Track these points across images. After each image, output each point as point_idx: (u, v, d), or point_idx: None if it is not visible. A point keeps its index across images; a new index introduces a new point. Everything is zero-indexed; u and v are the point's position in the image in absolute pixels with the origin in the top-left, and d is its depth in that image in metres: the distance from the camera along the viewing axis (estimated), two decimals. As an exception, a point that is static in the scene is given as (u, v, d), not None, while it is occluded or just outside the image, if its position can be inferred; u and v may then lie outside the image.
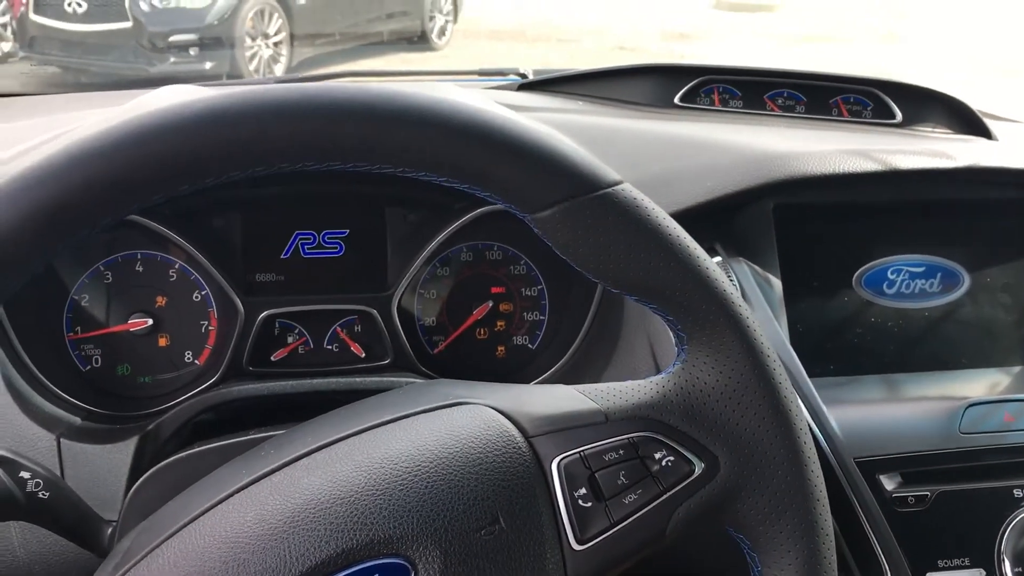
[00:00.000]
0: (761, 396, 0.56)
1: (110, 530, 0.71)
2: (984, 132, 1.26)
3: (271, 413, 0.95)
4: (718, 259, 0.96)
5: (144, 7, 5.18)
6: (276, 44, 5.64)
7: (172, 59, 5.17)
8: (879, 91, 1.30)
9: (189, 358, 1.02)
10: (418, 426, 0.56)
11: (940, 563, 0.84)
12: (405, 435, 0.55)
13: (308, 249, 1.04)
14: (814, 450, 0.57)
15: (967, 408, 0.88)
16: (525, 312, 1.10)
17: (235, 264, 1.02)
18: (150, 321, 1.00)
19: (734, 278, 0.95)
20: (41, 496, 0.65)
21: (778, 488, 0.56)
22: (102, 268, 0.99)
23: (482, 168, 0.53)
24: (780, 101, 1.31)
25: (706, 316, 0.56)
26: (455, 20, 7.30)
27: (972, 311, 1.03)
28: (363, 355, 1.05)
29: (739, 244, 0.98)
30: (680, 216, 0.57)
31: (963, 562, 0.84)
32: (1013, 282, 1.05)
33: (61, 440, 0.87)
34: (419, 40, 6.88)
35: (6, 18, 5.53)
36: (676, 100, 1.31)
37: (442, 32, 7.11)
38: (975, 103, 1.29)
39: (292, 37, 5.76)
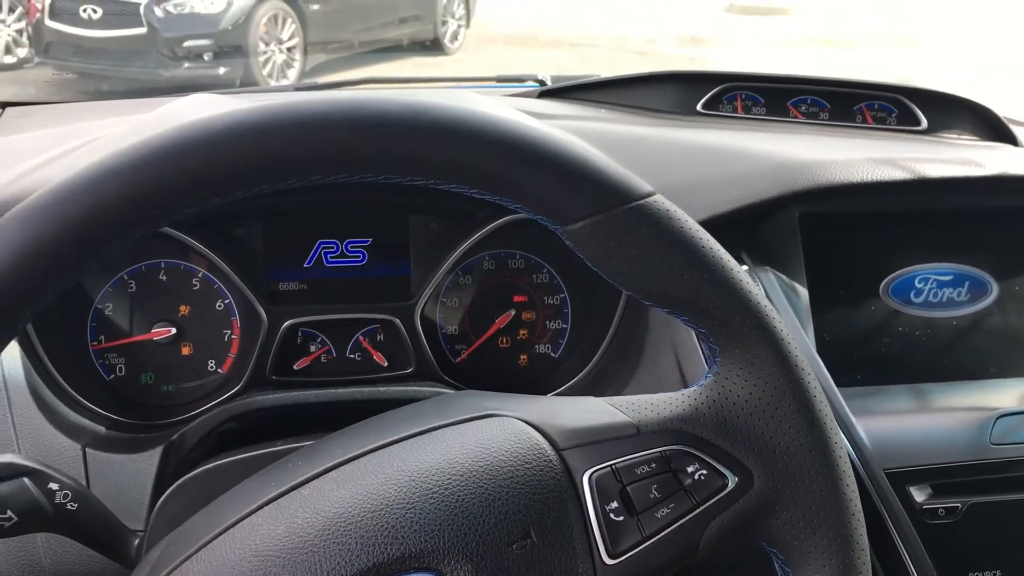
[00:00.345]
0: (796, 409, 0.55)
1: (137, 541, 0.71)
2: (1011, 139, 1.25)
3: (295, 423, 0.95)
4: (744, 268, 0.96)
5: (158, 13, 5.22)
6: (289, 50, 5.67)
7: (186, 65, 5.21)
8: (904, 98, 1.30)
9: (212, 367, 1.02)
10: (448, 439, 0.56)
11: (971, 575, 0.83)
12: (435, 448, 0.55)
13: (331, 258, 1.04)
14: (849, 464, 0.57)
15: (997, 419, 0.87)
16: (548, 321, 1.09)
17: (258, 273, 1.02)
18: (173, 330, 1.00)
19: (760, 287, 0.94)
20: (70, 508, 0.65)
21: (813, 502, 0.55)
22: (126, 277, 1.00)
23: (514, 181, 0.52)
24: (804, 108, 1.31)
25: (740, 329, 0.55)
26: (468, 25, 7.33)
27: (1001, 320, 1.02)
28: (386, 364, 1.05)
29: (765, 253, 0.98)
30: (706, 225, 0.56)
31: (995, 574, 0.83)
32: (1041, 291, 1.04)
33: (87, 450, 0.87)
34: (432, 45, 6.90)
35: (22, 24, 5.57)
36: (699, 107, 1.30)
37: (455, 37, 7.14)
38: (1000, 109, 1.28)
39: (305, 43, 5.79)
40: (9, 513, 0.62)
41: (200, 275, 1.01)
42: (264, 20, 5.49)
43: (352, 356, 1.05)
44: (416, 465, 0.53)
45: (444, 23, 6.99)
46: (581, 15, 8.81)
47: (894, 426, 0.88)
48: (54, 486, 0.65)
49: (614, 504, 0.54)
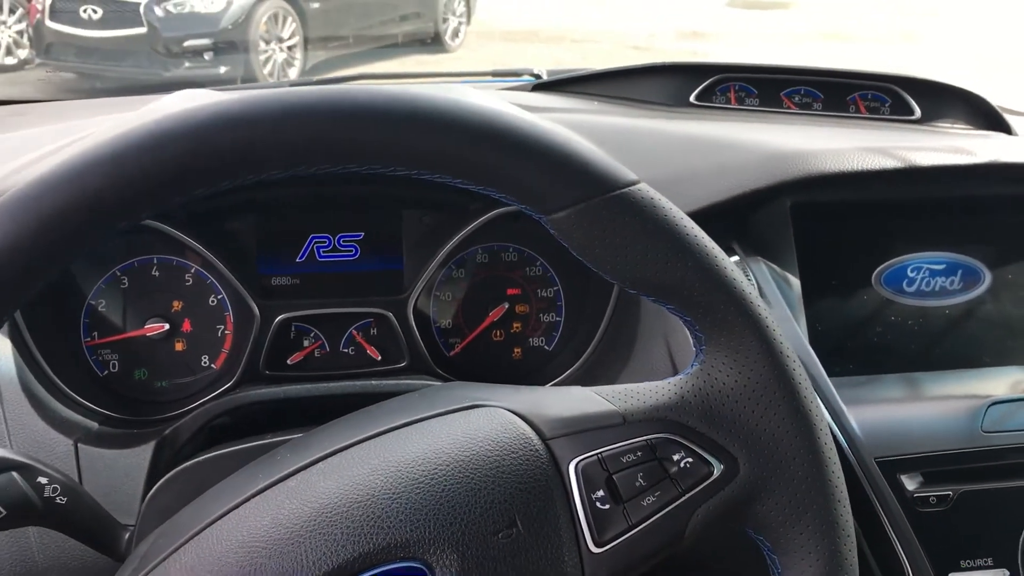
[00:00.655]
0: (781, 396, 0.55)
1: (128, 535, 0.71)
2: (1004, 127, 1.25)
3: (287, 417, 0.95)
4: (736, 258, 0.96)
5: (159, 13, 5.21)
6: (290, 48, 5.66)
7: (187, 64, 5.20)
8: (897, 87, 1.29)
9: (206, 362, 1.03)
10: (435, 429, 0.56)
11: (963, 563, 0.83)
12: (422, 438, 0.55)
13: (323, 252, 1.04)
14: (834, 450, 0.57)
15: (989, 407, 0.87)
16: (541, 313, 1.09)
17: (250, 268, 1.02)
18: (167, 326, 1.00)
19: (752, 277, 0.94)
20: (59, 501, 0.65)
21: (798, 489, 0.55)
22: (118, 273, 1.00)
23: (496, 169, 0.52)
24: (797, 99, 1.31)
25: (724, 316, 0.55)
26: (468, 22, 7.30)
27: (993, 308, 1.02)
28: (379, 358, 1.05)
29: (757, 243, 0.98)
30: (697, 215, 0.56)
31: (986, 562, 0.83)
32: (1035, 279, 1.03)
33: (79, 445, 0.87)
34: (432, 42, 6.88)
35: (22, 25, 5.57)
36: (692, 99, 1.30)
37: (455, 34, 7.12)
38: (994, 98, 1.28)
39: (306, 40, 5.78)
40: None
41: (193, 271, 1.01)
42: (264, 18, 5.48)
43: (345, 350, 1.05)
44: (402, 455, 0.53)
45: (445, 20, 6.97)
46: (582, 11, 8.79)
47: (886, 415, 0.88)
48: (43, 480, 0.65)
49: (600, 493, 0.54)
